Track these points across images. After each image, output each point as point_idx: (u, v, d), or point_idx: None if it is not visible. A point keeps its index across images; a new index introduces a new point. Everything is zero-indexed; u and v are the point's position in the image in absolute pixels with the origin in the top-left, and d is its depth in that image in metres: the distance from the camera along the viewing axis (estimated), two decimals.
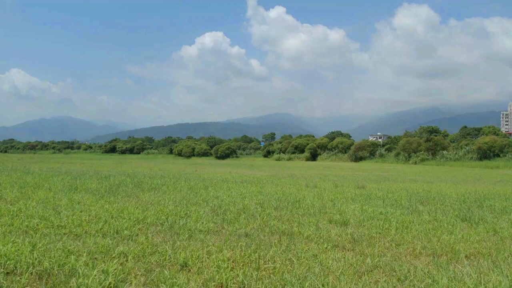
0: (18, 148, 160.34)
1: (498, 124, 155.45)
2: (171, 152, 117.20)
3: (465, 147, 65.31)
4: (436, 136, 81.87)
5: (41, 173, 17.04)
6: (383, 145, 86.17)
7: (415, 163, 66.04)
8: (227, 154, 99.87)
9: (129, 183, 12.75)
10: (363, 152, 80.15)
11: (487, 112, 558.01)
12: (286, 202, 9.02)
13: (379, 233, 6.03)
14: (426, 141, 71.41)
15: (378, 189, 14.35)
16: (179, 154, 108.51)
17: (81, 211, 6.70)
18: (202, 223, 6.18)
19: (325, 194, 11.33)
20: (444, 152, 65.89)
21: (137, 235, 5.24)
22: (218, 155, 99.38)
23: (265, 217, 6.88)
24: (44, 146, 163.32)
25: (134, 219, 6.16)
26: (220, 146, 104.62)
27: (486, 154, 59.64)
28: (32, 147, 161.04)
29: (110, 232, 5.24)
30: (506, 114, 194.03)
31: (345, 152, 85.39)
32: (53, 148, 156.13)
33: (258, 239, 5.29)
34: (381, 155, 78.49)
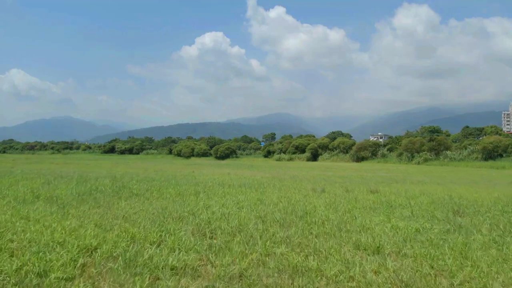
0: (17, 149, 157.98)
1: (499, 124, 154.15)
2: (170, 152, 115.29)
3: (469, 147, 63.47)
4: (438, 136, 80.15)
5: (16, 176, 15.23)
6: (384, 145, 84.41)
7: (418, 163, 64.15)
8: (227, 154, 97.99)
9: (108, 188, 10.92)
10: (365, 152, 78.24)
11: (487, 112, 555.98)
12: (293, 215, 7.16)
13: (432, 266, 4.21)
14: (429, 141, 69.53)
15: (394, 194, 12.53)
16: (179, 155, 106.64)
17: (14, 234, 4.87)
18: (180, 252, 4.35)
19: (338, 202, 9.49)
20: (448, 152, 63.99)
21: (73, 279, 3.42)
22: (218, 155, 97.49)
23: (268, 241, 5.03)
24: (43, 147, 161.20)
25: (81, 248, 4.32)
26: (219, 146, 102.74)
27: (491, 155, 57.91)
28: (30, 148, 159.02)
29: (30, 275, 3.41)
30: (508, 114, 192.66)
31: (347, 152, 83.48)
32: (52, 148, 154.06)
33: (259, 284, 3.46)
34: (383, 155, 76.58)
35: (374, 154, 77.20)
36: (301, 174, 28.34)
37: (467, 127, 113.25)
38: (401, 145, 78.39)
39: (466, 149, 62.27)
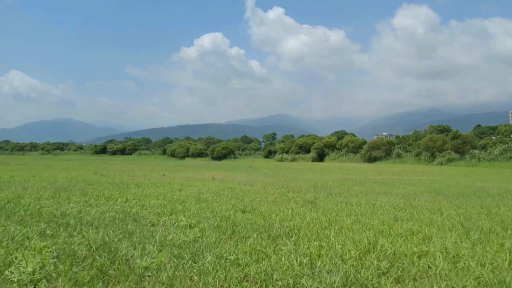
0: (7, 149, 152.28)
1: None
2: (164, 153, 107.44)
3: (501, 145, 55.88)
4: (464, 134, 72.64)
5: None
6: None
7: (441, 163, 56.36)
8: (224, 154, 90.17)
9: None
10: (378, 152, 70.44)
11: (488, 113, 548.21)
12: None
13: None
14: (453, 139, 61.83)
15: None
16: (172, 155, 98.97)
17: None
18: None
19: None
20: (476, 151, 56.22)
21: None
22: (214, 155, 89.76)
23: None
24: (34, 147, 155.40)
25: None
26: (216, 146, 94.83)
27: None
28: (20, 149, 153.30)
29: None
30: None
31: (356, 152, 75.77)
32: (42, 149, 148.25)
33: None
34: (399, 155, 68.76)
35: (388, 154, 69.39)
36: (316, 177, 20.60)
37: (479, 126, 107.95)
38: (414, 144, 70.91)
39: (497, 147, 54.67)
